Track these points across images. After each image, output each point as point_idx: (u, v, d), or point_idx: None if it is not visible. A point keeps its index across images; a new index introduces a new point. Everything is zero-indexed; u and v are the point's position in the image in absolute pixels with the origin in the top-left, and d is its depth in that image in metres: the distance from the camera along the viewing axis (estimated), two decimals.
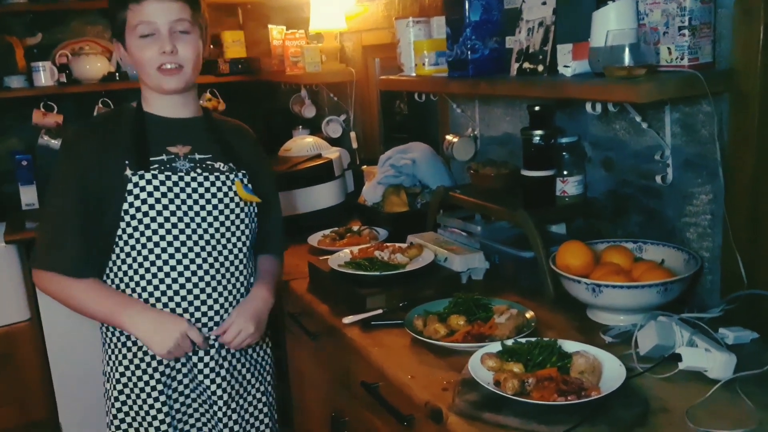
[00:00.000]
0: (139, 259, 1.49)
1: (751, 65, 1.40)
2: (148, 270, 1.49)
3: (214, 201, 1.53)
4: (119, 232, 1.48)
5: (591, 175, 1.89)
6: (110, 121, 1.59)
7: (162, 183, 1.48)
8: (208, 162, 1.56)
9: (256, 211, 1.61)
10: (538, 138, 1.80)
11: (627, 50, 1.35)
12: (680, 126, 1.61)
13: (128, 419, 1.55)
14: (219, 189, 1.54)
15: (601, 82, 1.42)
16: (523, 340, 1.38)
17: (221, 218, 1.53)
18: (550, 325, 1.58)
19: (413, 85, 2.15)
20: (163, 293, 1.50)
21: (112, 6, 1.50)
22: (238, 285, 1.58)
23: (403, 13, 2.65)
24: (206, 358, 1.56)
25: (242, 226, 1.58)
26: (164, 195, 1.48)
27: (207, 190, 1.52)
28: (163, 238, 1.49)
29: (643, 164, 1.72)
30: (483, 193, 2.03)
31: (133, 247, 1.49)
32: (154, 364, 1.53)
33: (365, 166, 2.80)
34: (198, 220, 1.51)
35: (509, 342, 1.38)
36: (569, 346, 1.34)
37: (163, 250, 1.49)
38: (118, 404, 1.55)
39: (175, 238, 1.49)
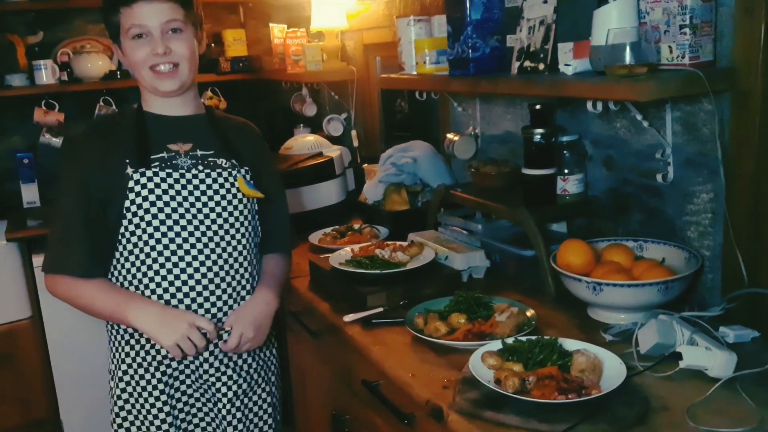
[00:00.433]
0: (142, 256, 1.49)
1: (752, 63, 1.40)
2: (150, 267, 1.50)
3: (216, 197, 1.53)
4: (122, 230, 1.49)
5: (592, 174, 1.89)
6: (111, 122, 1.61)
7: (163, 180, 1.49)
8: (210, 158, 1.56)
9: (256, 208, 1.61)
10: (539, 136, 1.80)
11: (628, 49, 1.35)
12: (681, 124, 1.61)
13: (131, 417, 1.55)
14: (221, 185, 1.54)
15: (602, 81, 1.42)
16: (524, 339, 1.38)
17: (224, 214, 1.54)
18: (551, 323, 1.58)
19: (414, 83, 2.15)
20: (165, 290, 1.50)
21: (105, 10, 1.51)
22: (242, 281, 1.58)
23: (404, 11, 2.65)
24: (211, 359, 1.56)
25: (245, 222, 1.57)
26: (165, 192, 1.49)
27: (209, 186, 1.53)
28: (165, 235, 1.49)
29: (644, 163, 1.72)
30: (484, 191, 2.04)
31: (135, 245, 1.49)
32: (155, 363, 1.53)
33: (366, 165, 2.81)
34: (200, 216, 1.51)
35: (510, 340, 1.38)
36: (570, 344, 1.35)
37: (165, 247, 1.49)
38: (120, 402, 1.56)
39: (177, 234, 1.49)
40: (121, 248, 1.51)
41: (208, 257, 1.52)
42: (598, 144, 1.87)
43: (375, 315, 1.70)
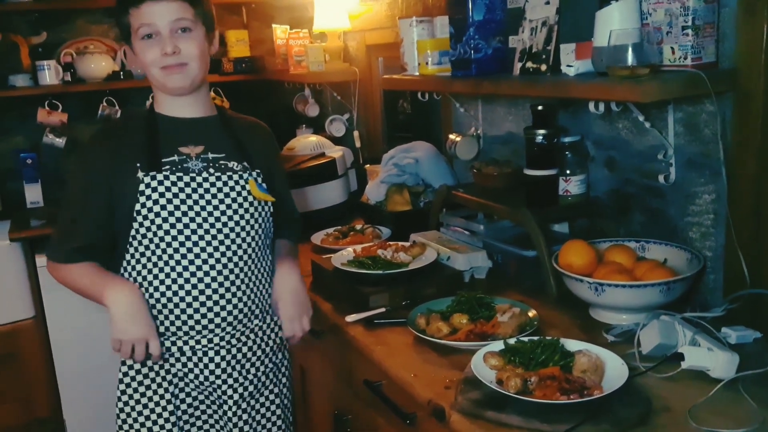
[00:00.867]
0: (153, 259, 1.50)
1: (754, 65, 1.40)
2: (162, 270, 1.50)
3: (227, 201, 1.53)
4: (132, 233, 1.50)
5: (594, 175, 1.89)
6: (123, 125, 1.63)
7: (173, 184, 1.49)
8: (221, 161, 1.56)
9: (271, 210, 1.61)
10: (541, 137, 1.80)
11: (630, 50, 1.35)
12: (683, 125, 1.61)
13: (134, 414, 1.55)
14: (232, 189, 1.54)
15: (604, 82, 1.42)
16: (526, 339, 1.38)
17: (235, 218, 1.53)
18: (553, 323, 1.58)
19: (416, 84, 2.15)
20: (175, 293, 1.50)
21: (116, 11, 1.53)
22: (252, 286, 1.58)
23: (406, 12, 2.65)
24: (217, 358, 1.55)
25: (256, 226, 1.57)
26: (176, 196, 1.49)
27: (219, 190, 1.53)
28: (175, 238, 1.49)
29: (646, 164, 1.72)
30: (486, 192, 2.04)
31: (147, 247, 1.50)
32: (159, 364, 1.54)
33: (368, 165, 2.81)
34: (211, 220, 1.51)
35: (512, 341, 1.38)
36: (572, 345, 1.35)
37: (176, 251, 1.49)
38: (124, 398, 1.56)
39: (188, 238, 1.50)
40: (132, 250, 1.51)
41: (218, 261, 1.52)
42: (600, 145, 1.87)
43: (377, 315, 1.70)
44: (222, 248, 1.52)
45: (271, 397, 1.67)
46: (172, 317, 1.51)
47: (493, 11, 1.79)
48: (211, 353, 1.55)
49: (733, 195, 1.49)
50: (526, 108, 2.06)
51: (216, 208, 1.52)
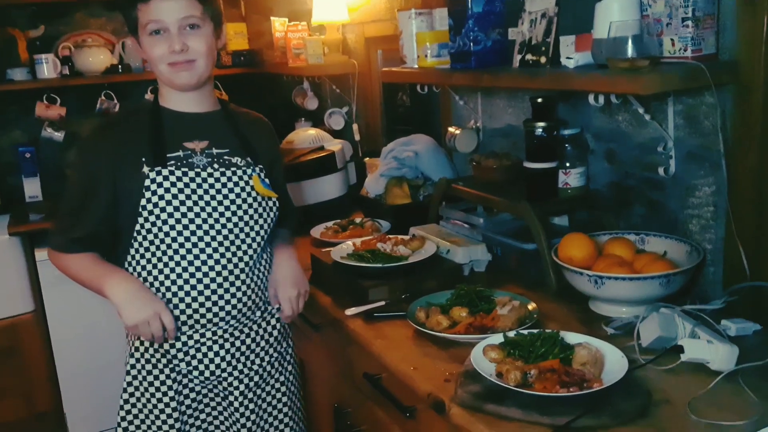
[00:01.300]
0: (158, 254, 1.50)
1: (754, 56, 1.39)
2: (166, 265, 1.50)
3: (232, 196, 1.53)
4: (137, 227, 1.50)
5: (593, 167, 1.89)
6: (127, 119, 1.62)
7: (179, 179, 1.49)
8: (226, 157, 1.56)
9: (277, 206, 1.62)
10: (540, 130, 1.80)
11: (630, 42, 1.34)
12: (683, 118, 1.61)
13: (135, 410, 1.56)
14: (236, 184, 1.54)
15: (604, 74, 1.42)
16: (526, 332, 1.38)
17: (239, 213, 1.54)
18: (553, 316, 1.58)
19: (416, 77, 2.15)
20: (180, 288, 1.51)
21: (123, 4, 1.52)
22: (255, 279, 1.58)
23: (405, 4, 2.64)
24: (222, 352, 1.56)
25: (260, 221, 1.58)
26: (181, 191, 1.49)
27: (224, 185, 1.53)
28: (180, 233, 1.49)
29: (646, 156, 1.72)
30: (485, 185, 2.03)
31: (151, 242, 1.50)
32: (164, 361, 1.53)
33: (368, 158, 2.80)
34: (216, 215, 1.51)
35: (511, 334, 1.38)
36: (571, 337, 1.35)
37: (181, 246, 1.50)
38: (128, 391, 1.56)
39: (192, 233, 1.50)
40: (136, 245, 1.52)
41: (222, 255, 1.52)
42: (599, 137, 1.87)
43: (377, 308, 1.70)
44: (226, 243, 1.52)
45: (277, 385, 1.67)
46: (176, 311, 1.51)
47: (492, 3, 1.78)
48: (215, 347, 1.55)
49: (733, 187, 1.49)
50: (525, 100, 2.06)
51: (220, 203, 1.52)
